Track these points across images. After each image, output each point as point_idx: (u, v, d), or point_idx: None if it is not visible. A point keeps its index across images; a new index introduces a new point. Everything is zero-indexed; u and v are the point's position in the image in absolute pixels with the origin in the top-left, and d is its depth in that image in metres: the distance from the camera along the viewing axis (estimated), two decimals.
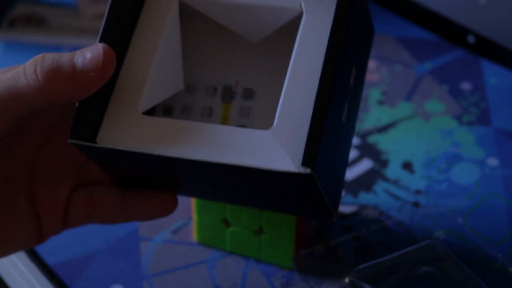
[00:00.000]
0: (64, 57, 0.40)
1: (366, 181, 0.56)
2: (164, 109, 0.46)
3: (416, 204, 0.55)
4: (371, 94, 0.63)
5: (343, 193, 0.55)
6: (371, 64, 0.65)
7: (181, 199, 0.52)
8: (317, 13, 0.40)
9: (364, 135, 0.60)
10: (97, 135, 0.41)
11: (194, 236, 0.52)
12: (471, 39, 0.67)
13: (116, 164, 0.43)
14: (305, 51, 0.40)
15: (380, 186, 0.56)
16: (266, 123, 0.45)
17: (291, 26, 0.43)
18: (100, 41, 0.41)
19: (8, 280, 0.53)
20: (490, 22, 0.64)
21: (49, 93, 0.39)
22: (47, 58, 0.39)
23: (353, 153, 0.58)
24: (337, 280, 0.50)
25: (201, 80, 0.47)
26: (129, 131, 0.41)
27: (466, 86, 0.63)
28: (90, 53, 0.40)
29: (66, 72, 0.39)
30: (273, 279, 0.50)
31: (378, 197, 0.55)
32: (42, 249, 0.52)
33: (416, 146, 0.59)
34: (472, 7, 0.65)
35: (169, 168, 0.41)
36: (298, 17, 0.42)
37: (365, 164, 0.58)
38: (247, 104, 0.45)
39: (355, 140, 0.59)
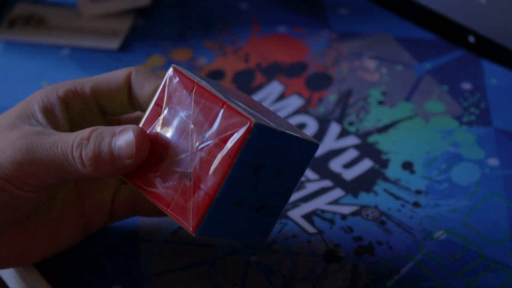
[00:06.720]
0: (105, 140, 0.44)
1: (366, 181, 0.56)
2: None
3: (416, 204, 0.55)
4: (371, 94, 0.63)
5: (343, 193, 0.56)
6: (371, 64, 0.65)
7: None
8: None
9: (364, 135, 0.60)
10: None
11: None
12: (471, 39, 0.67)
13: None
14: None
15: (380, 186, 0.56)
16: None
17: None
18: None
19: (7, 280, 0.53)
20: (490, 22, 0.64)
21: (93, 174, 0.45)
22: (90, 144, 0.44)
23: (353, 153, 0.58)
24: (337, 280, 0.50)
25: None
26: None
27: (466, 86, 0.63)
28: (124, 141, 0.44)
29: (105, 159, 0.44)
30: (273, 279, 0.50)
31: (378, 197, 0.55)
32: None
33: (416, 146, 0.59)
34: (472, 7, 0.65)
35: None
36: None
37: (365, 164, 0.58)
38: None
39: (355, 140, 0.59)
